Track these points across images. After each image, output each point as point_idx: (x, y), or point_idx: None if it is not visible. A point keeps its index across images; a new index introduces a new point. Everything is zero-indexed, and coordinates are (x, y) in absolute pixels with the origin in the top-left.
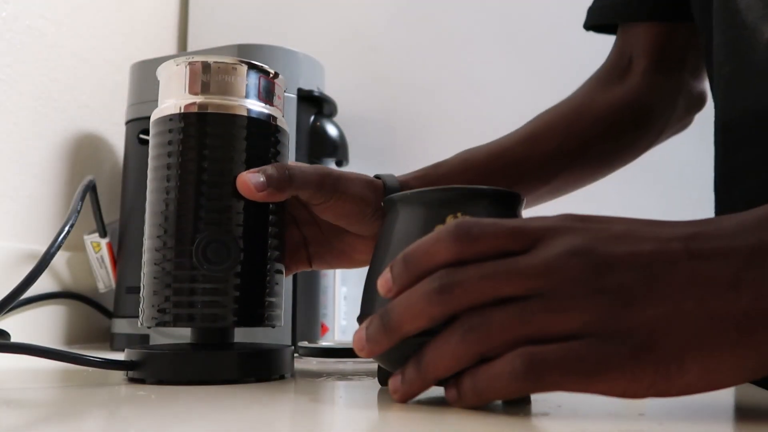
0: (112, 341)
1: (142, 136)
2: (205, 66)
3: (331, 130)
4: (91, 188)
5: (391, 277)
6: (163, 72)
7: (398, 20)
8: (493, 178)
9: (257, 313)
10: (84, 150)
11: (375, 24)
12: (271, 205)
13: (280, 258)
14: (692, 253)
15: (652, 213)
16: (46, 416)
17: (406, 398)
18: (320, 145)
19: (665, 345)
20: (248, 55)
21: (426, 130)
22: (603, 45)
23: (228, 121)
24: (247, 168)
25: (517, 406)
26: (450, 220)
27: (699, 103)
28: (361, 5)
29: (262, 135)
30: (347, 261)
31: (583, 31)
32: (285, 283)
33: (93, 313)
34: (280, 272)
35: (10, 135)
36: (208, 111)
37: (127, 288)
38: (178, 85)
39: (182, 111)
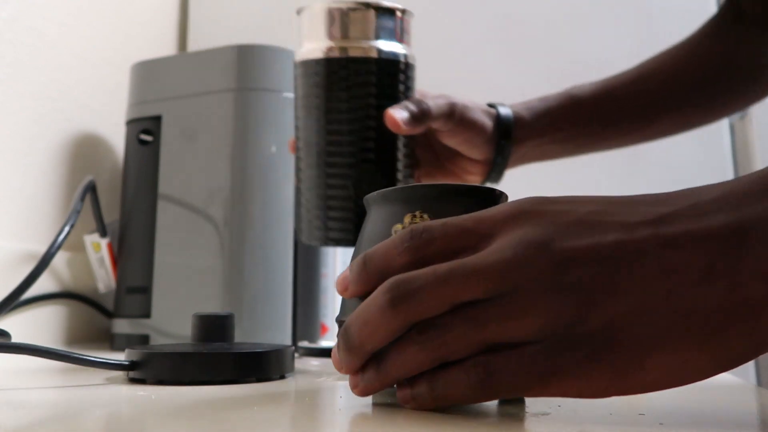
0: (112, 341)
1: (142, 136)
2: (343, 12)
3: None
4: (91, 188)
5: (348, 277)
6: (304, 15)
7: None
8: (598, 116)
9: None
10: (84, 150)
11: None
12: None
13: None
14: (661, 240)
15: None
16: (46, 416)
17: (364, 395)
18: None
19: (624, 345)
20: (248, 55)
21: None
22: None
23: (366, 64)
24: (382, 105)
25: (511, 403)
26: (408, 220)
27: None
28: None
29: (395, 73)
30: (455, 179)
31: (584, 31)
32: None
33: (93, 313)
34: None
35: (10, 135)
36: (348, 56)
37: (127, 288)
38: (319, 29)
39: (325, 56)
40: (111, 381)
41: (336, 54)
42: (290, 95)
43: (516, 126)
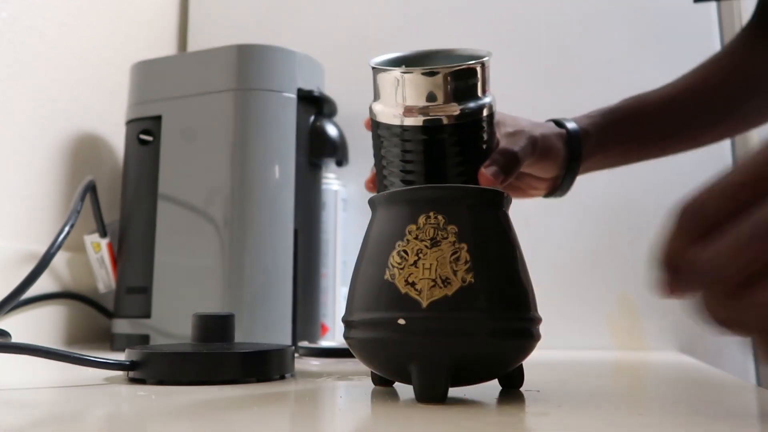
0: (112, 341)
1: (142, 136)
2: (425, 78)
3: (331, 130)
4: (91, 188)
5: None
6: (386, 77)
7: (398, 20)
8: (662, 127)
9: None
10: (84, 150)
11: (375, 24)
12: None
13: None
14: None
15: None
16: (46, 416)
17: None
18: (320, 145)
19: None
20: (248, 55)
21: None
22: (603, 44)
23: (454, 127)
24: (472, 160)
25: (511, 403)
26: (422, 220)
27: None
28: (361, 5)
29: (481, 129)
30: (520, 194)
31: (584, 32)
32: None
33: (93, 313)
34: None
35: (10, 135)
36: (443, 123)
37: (127, 288)
38: (399, 95)
39: (410, 124)
40: (111, 381)
41: (426, 122)
42: (290, 95)
43: (584, 144)
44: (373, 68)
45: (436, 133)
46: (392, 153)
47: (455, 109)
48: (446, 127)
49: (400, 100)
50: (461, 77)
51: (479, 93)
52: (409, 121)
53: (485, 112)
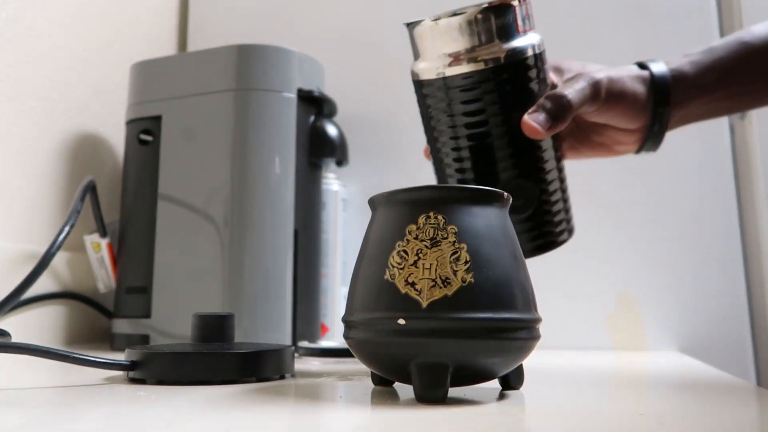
0: (112, 341)
1: (142, 136)
2: (465, 22)
3: (331, 130)
4: (91, 188)
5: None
6: (423, 29)
7: (398, 20)
8: None
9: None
10: (84, 150)
11: (375, 24)
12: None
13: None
14: None
15: (652, 211)
16: (46, 416)
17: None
18: (320, 145)
19: None
20: (248, 55)
21: None
22: (602, 44)
23: (497, 72)
24: (524, 107)
25: (511, 403)
26: (422, 220)
27: None
28: (361, 5)
29: (528, 69)
30: (606, 152)
31: (584, 32)
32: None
33: (93, 313)
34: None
35: (10, 135)
36: (489, 66)
37: (127, 288)
38: (447, 42)
39: (455, 73)
40: (111, 381)
41: (476, 66)
42: (291, 95)
43: (676, 86)
44: (407, 25)
45: (487, 78)
46: (439, 110)
47: (500, 49)
48: (497, 68)
49: (440, 50)
50: (500, 14)
51: (521, 30)
52: (453, 71)
53: (533, 51)
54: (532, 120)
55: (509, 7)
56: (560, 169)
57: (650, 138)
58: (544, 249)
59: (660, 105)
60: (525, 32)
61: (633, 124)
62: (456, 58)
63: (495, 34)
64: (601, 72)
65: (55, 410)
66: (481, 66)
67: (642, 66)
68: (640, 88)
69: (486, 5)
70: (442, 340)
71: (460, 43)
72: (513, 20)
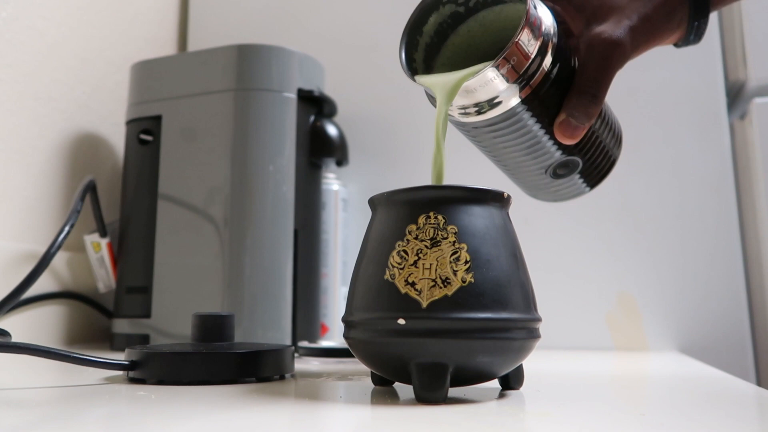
0: (112, 341)
1: (142, 136)
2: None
3: (331, 130)
4: (91, 188)
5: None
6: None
7: (398, 20)
8: None
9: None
10: (84, 150)
11: (375, 24)
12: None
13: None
14: None
15: (652, 211)
16: (46, 416)
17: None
18: (320, 145)
19: None
20: (248, 55)
21: (426, 130)
22: None
23: (526, 102)
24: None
25: (511, 403)
26: (422, 220)
27: None
28: (361, 5)
29: (548, 80)
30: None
31: None
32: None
33: (93, 313)
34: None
35: (10, 135)
36: (530, 95)
37: (127, 288)
38: (498, 84)
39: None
40: (111, 381)
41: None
42: (291, 95)
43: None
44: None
45: (516, 113)
46: (486, 147)
47: (519, 89)
48: (524, 101)
49: (463, 100)
50: (509, 60)
51: (531, 54)
52: (479, 119)
53: (547, 50)
54: (564, 131)
55: (516, 50)
56: (602, 118)
57: (692, 32)
58: (607, 173)
59: (696, 19)
60: (537, 49)
61: (672, 41)
62: (483, 105)
63: (518, 74)
64: (621, 25)
65: (55, 410)
66: (505, 108)
67: None
68: (679, 11)
69: (494, 62)
70: (441, 340)
71: (482, 95)
72: (526, 54)
